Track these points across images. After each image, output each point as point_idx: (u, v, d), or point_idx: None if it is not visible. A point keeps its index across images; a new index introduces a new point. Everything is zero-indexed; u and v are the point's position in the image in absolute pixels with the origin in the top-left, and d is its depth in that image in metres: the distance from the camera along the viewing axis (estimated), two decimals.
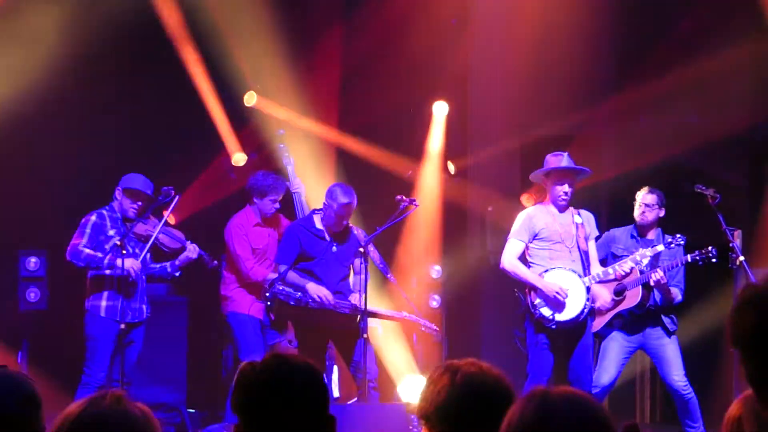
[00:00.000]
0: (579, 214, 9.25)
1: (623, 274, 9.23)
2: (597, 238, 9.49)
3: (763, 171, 11.55)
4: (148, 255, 9.29)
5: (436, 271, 11.80)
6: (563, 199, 9.14)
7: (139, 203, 9.24)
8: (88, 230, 9.10)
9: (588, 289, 9.07)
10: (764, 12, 10.92)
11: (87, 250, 9.03)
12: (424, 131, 12.16)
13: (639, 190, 9.55)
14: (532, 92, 12.06)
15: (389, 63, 11.92)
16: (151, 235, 9.15)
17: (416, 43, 11.95)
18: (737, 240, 9.43)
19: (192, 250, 9.36)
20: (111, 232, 9.15)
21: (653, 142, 11.57)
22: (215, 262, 9.59)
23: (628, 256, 9.28)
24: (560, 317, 9.01)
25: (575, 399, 2.74)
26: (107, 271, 9.10)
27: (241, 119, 11.56)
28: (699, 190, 9.36)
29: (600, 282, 9.24)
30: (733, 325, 2.89)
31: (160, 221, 9.22)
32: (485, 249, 12.05)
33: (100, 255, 9.05)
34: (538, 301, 9.02)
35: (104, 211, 9.20)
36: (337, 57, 12.03)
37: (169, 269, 9.44)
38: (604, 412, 2.76)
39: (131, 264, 9.06)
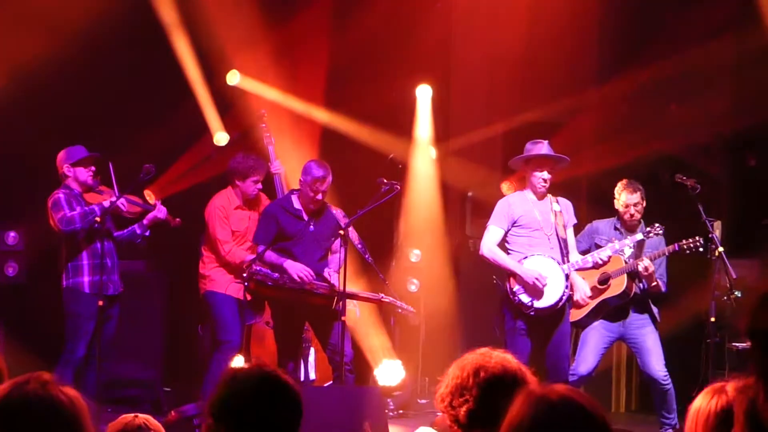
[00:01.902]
0: (557, 202, 9.28)
1: (601, 262, 9.25)
2: (577, 228, 9.51)
3: (743, 162, 11.58)
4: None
5: (415, 254, 11.79)
6: (542, 186, 9.17)
7: (92, 168, 9.21)
8: (64, 203, 9.07)
9: (567, 277, 9.09)
10: (748, 5, 10.93)
11: (76, 212, 9.00)
12: (409, 114, 12.15)
13: (618, 181, 9.55)
14: (514, 78, 12.09)
15: (375, 46, 11.89)
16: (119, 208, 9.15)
17: (401, 25, 11.94)
18: (717, 231, 9.45)
19: (160, 210, 9.34)
20: (77, 209, 9.12)
21: (635, 131, 11.59)
22: (178, 220, 9.55)
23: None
24: (539, 304, 9.03)
25: (575, 404, 2.73)
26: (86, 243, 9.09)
27: (226, 100, 11.51)
28: (679, 180, 9.39)
29: (579, 269, 9.26)
30: (753, 318, 2.87)
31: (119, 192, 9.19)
32: (465, 234, 12.07)
33: (88, 208, 9.03)
34: (516, 287, 9.05)
35: (62, 194, 9.15)
36: (324, 39, 11.99)
37: (138, 231, 9.40)
38: (604, 417, 2.76)
39: (121, 201, 9.06)
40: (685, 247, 9.22)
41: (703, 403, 3.55)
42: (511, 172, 10.09)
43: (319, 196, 9.15)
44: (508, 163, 9.59)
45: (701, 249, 9.20)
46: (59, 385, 2.92)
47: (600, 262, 9.26)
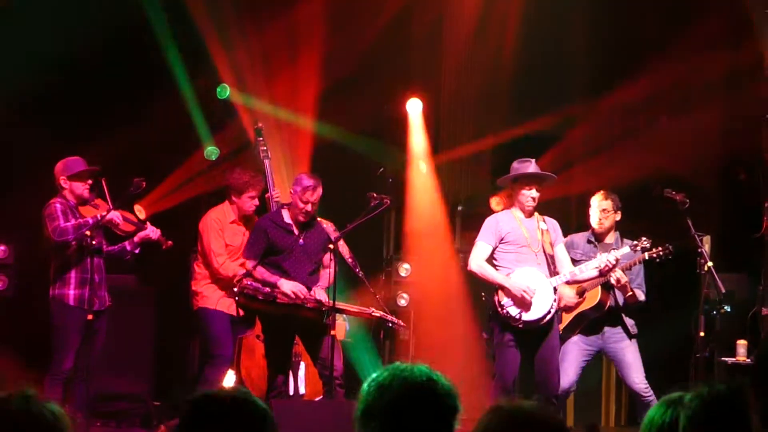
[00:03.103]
0: (545, 221, 9.35)
1: (587, 279, 9.32)
2: None
3: (733, 176, 11.61)
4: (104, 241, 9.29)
5: (405, 269, 11.80)
6: (530, 205, 9.26)
7: (89, 181, 9.21)
8: (59, 213, 9.05)
9: (555, 290, 9.12)
10: (740, 20, 10.97)
11: (70, 224, 8.98)
12: (400, 128, 12.17)
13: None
14: (504, 93, 12.11)
15: (367, 60, 11.91)
16: (113, 221, 9.13)
17: (392, 39, 11.97)
18: (706, 245, 9.47)
19: (152, 230, 9.33)
20: (72, 221, 9.11)
21: (626, 145, 11.62)
22: (170, 242, 9.54)
23: (586, 261, 9.35)
24: (527, 316, 9.05)
25: (539, 417, 2.74)
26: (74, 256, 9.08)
27: (218, 115, 11.53)
28: (668, 195, 9.41)
29: (567, 282, 9.30)
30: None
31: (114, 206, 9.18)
32: (454, 248, 12.08)
33: (82, 221, 9.02)
34: (505, 300, 9.07)
35: (58, 204, 9.14)
36: (316, 53, 12.01)
37: (128, 248, 9.38)
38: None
39: (114, 214, 9.05)
40: (654, 255, 9.26)
41: (656, 414, 3.49)
42: (500, 187, 10.13)
43: (309, 207, 9.14)
44: (496, 182, 9.65)
45: (671, 256, 9.24)
46: (43, 400, 2.90)
47: (587, 279, 9.33)
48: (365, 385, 3.29)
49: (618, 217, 9.57)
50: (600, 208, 9.54)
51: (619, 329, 9.49)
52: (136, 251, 9.43)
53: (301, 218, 9.20)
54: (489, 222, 9.35)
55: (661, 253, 9.25)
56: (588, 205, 9.66)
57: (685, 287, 9.91)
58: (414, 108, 12.13)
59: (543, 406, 2.79)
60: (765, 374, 2.75)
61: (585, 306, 9.46)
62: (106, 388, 10.33)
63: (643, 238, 9.32)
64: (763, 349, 2.75)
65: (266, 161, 10.34)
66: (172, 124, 11.39)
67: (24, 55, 10.57)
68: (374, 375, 3.30)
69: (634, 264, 9.38)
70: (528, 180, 9.26)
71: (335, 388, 9.10)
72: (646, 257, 9.29)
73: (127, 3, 11.10)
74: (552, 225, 9.41)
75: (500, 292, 9.11)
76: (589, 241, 9.61)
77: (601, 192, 9.59)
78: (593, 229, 9.60)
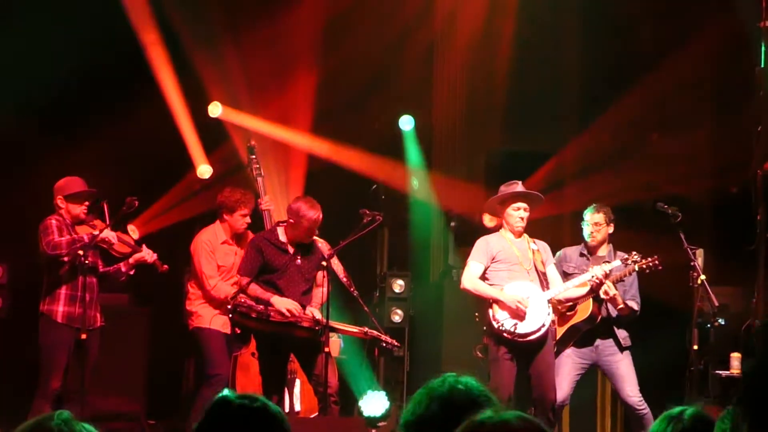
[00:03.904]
0: (534, 242, 9.41)
1: (579, 296, 9.36)
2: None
3: (725, 190, 11.64)
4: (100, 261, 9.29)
5: (399, 285, 11.82)
6: (519, 225, 9.34)
7: (86, 203, 9.21)
8: (54, 229, 9.04)
9: (548, 302, 9.16)
10: (729, 37, 11.01)
11: (64, 239, 8.98)
12: (394, 144, 12.19)
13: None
14: (496, 110, 12.14)
15: (360, 76, 11.95)
16: (108, 241, 9.13)
17: (385, 56, 12.01)
18: (699, 259, 9.49)
19: (148, 254, 9.32)
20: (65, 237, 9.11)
21: (617, 161, 11.65)
22: (166, 266, 9.53)
23: (579, 274, 9.40)
24: (522, 329, 9.08)
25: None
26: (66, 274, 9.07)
27: (211, 133, 11.54)
28: (660, 209, 9.44)
29: (559, 301, 9.35)
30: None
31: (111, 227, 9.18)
32: (447, 264, 12.10)
33: (77, 236, 9.01)
34: (499, 314, 9.12)
35: (54, 221, 9.14)
36: (309, 69, 12.05)
37: (123, 269, 9.38)
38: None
39: (109, 233, 9.05)
40: (644, 266, 9.30)
41: (658, 429, 3.53)
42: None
43: (316, 232, 9.24)
44: (483, 207, 9.76)
45: (660, 267, 9.27)
46: (80, 421, 2.95)
47: (581, 295, 9.36)
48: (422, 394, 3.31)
49: (611, 230, 9.60)
50: (592, 222, 9.58)
51: (611, 341, 9.51)
52: (131, 273, 9.42)
53: (306, 241, 9.23)
54: (479, 243, 9.43)
55: (650, 263, 9.29)
56: (581, 219, 9.70)
57: (679, 301, 9.93)
58: (407, 125, 12.15)
59: (526, 418, 2.79)
60: (752, 393, 2.76)
61: (577, 319, 9.49)
62: (101, 408, 10.30)
63: (634, 252, 9.37)
64: (750, 367, 2.75)
65: (259, 179, 10.37)
66: (165, 144, 11.40)
67: (17, 76, 10.58)
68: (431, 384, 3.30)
69: (625, 276, 9.41)
70: (516, 199, 9.33)
71: (330, 404, 9.09)
72: (636, 268, 9.33)
73: (119, 22, 11.11)
74: (542, 246, 9.51)
75: (494, 306, 9.16)
76: (581, 255, 9.65)
77: (594, 205, 9.64)
78: (586, 243, 9.64)
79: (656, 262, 9.28)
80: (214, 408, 3.21)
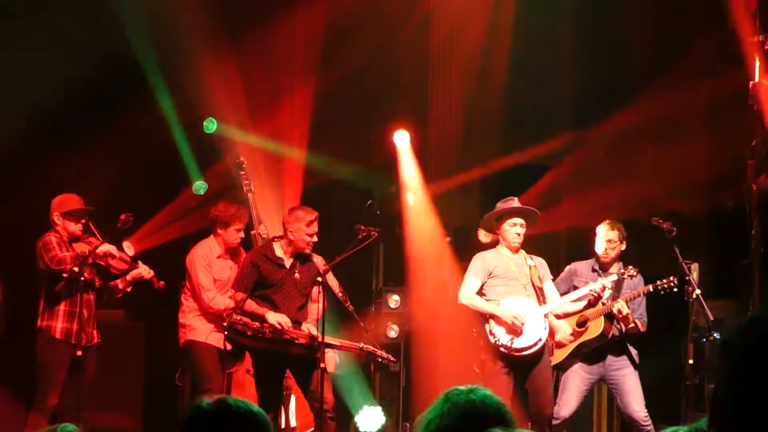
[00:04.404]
0: (531, 258, 9.44)
1: (576, 311, 9.38)
2: (554, 273, 9.63)
3: (720, 204, 11.64)
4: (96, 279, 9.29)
5: (394, 300, 11.82)
6: (516, 241, 9.38)
7: (83, 220, 9.21)
8: (55, 245, 9.05)
9: (545, 317, 9.18)
10: (724, 50, 11.03)
11: (68, 254, 8.97)
12: (389, 159, 12.21)
13: (599, 224, 9.67)
14: (492, 124, 12.15)
15: (356, 91, 11.97)
16: (110, 254, 9.13)
17: (382, 72, 12.03)
18: (694, 273, 9.50)
19: (145, 270, 9.33)
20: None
21: (612, 175, 11.67)
22: (162, 282, 9.53)
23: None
24: (519, 344, 9.12)
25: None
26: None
27: (207, 149, 11.55)
28: (656, 223, 9.45)
29: (562, 313, 9.37)
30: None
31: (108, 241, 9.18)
32: (443, 279, 12.09)
33: (80, 251, 9.01)
34: (496, 329, 9.14)
35: (53, 237, 9.14)
36: (303, 85, 12.07)
37: (120, 286, 9.38)
38: None
39: (107, 248, 9.05)
40: (659, 287, 9.31)
41: None
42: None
43: (315, 238, 9.20)
44: (480, 223, 9.78)
45: (676, 289, 9.28)
46: None
47: (578, 309, 9.38)
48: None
49: (623, 247, 9.62)
50: (606, 239, 9.56)
51: (621, 358, 9.52)
52: (128, 290, 9.43)
53: (307, 250, 9.23)
54: (476, 259, 9.48)
55: (666, 285, 9.28)
56: (593, 234, 9.68)
57: (674, 315, 9.94)
58: (402, 139, 12.16)
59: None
60: (720, 411, 2.76)
61: (588, 336, 9.48)
62: (98, 425, 10.29)
63: (630, 267, 9.39)
64: (718, 385, 2.75)
65: (249, 195, 10.40)
66: (160, 160, 11.40)
67: (11, 93, 10.58)
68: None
69: (638, 295, 9.42)
70: (512, 215, 9.37)
71: (326, 420, 9.08)
72: (651, 289, 9.33)
73: (113, 38, 11.11)
74: (539, 262, 9.54)
75: (491, 321, 9.19)
76: (593, 270, 9.65)
77: (607, 222, 9.62)
78: (598, 257, 9.62)
79: (674, 282, 9.27)
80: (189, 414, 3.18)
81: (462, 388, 3.35)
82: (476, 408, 3.28)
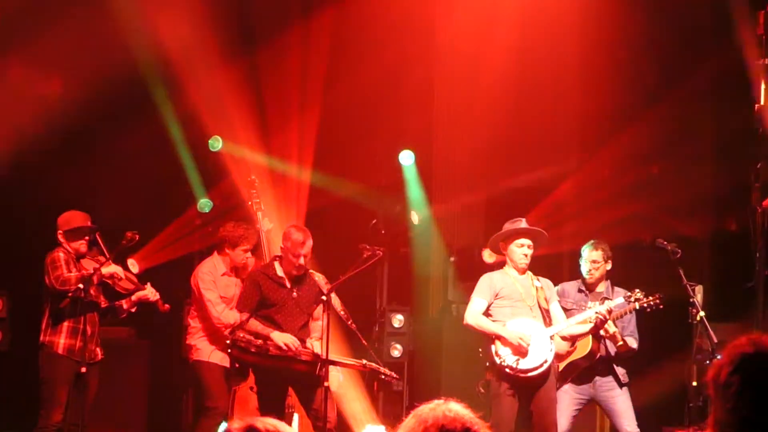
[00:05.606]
0: (538, 279, 9.44)
1: (582, 333, 9.38)
2: None
3: (724, 226, 11.65)
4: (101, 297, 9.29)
5: (398, 320, 11.82)
6: (523, 261, 9.38)
7: (86, 237, 9.21)
8: (62, 263, 9.04)
9: (551, 339, 9.18)
10: (728, 71, 11.06)
11: (73, 274, 8.97)
12: (394, 179, 12.22)
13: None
14: (497, 145, 12.17)
15: (361, 111, 11.99)
16: (116, 276, 9.13)
17: (387, 92, 12.05)
18: (698, 295, 9.49)
19: (152, 292, 9.33)
20: (74, 271, 9.11)
21: (617, 195, 11.68)
22: (167, 306, 9.54)
23: (577, 310, 9.43)
24: (524, 365, 9.10)
25: None
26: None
27: (211, 167, 11.58)
28: (660, 245, 9.46)
29: (562, 337, 9.37)
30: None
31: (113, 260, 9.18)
32: (447, 299, 12.10)
33: (85, 272, 9.01)
34: (501, 350, 9.13)
35: (62, 254, 9.15)
36: (316, 106, 12.10)
37: (125, 306, 9.39)
38: None
39: (113, 269, 9.05)
40: (645, 305, 9.32)
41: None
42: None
43: (302, 260, 9.18)
44: (487, 243, 9.78)
45: (661, 306, 9.29)
46: None
47: (582, 332, 9.39)
48: None
49: (609, 266, 9.64)
50: (590, 259, 9.61)
51: (610, 378, 9.53)
52: (133, 310, 9.44)
53: (294, 272, 9.23)
54: (483, 279, 9.47)
55: (651, 302, 9.31)
56: (579, 255, 9.73)
57: (678, 337, 9.93)
58: (407, 159, 12.17)
59: None
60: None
61: (576, 355, 9.51)
62: None
63: (637, 290, 9.39)
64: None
65: (259, 213, 10.40)
66: (165, 178, 11.43)
67: (20, 112, 10.63)
68: None
69: (625, 314, 9.44)
70: (520, 236, 9.37)
71: None
72: (637, 307, 9.35)
73: (121, 56, 11.15)
74: (546, 283, 9.54)
75: (497, 342, 9.18)
76: (579, 290, 9.68)
77: (592, 242, 9.67)
78: (584, 279, 9.66)
79: (657, 300, 9.30)
80: None
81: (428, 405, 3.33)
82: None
